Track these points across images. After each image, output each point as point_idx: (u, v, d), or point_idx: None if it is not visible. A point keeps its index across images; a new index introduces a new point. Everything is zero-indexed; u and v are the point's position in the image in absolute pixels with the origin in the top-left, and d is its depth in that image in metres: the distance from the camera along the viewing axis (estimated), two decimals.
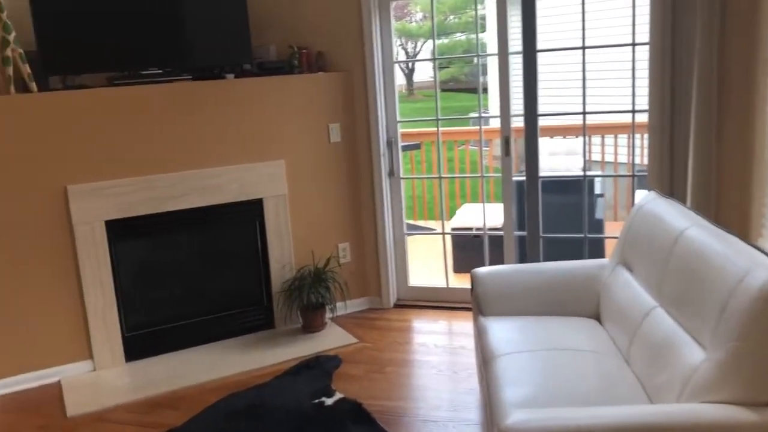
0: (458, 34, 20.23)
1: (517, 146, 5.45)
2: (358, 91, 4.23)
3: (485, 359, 2.67)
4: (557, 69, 7.09)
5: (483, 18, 9.61)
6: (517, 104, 4.10)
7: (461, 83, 20.85)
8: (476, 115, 4.55)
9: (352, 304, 4.38)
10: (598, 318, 2.96)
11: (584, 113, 3.98)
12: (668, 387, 2.17)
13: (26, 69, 3.52)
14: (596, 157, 6.62)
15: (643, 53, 3.54)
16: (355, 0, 4.12)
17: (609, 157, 6.32)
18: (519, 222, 4.30)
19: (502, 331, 2.81)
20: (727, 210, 3.30)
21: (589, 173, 4.27)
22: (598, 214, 4.81)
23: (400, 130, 4.42)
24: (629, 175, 4.33)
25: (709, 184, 3.30)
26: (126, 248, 3.82)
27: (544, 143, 6.19)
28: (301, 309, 4.09)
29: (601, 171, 6.46)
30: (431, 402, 3.25)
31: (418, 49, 23.59)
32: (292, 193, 4.13)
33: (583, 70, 3.91)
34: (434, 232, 5.95)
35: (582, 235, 4.11)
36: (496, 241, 4.34)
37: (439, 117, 4.42)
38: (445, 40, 20.21)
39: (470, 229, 4.96)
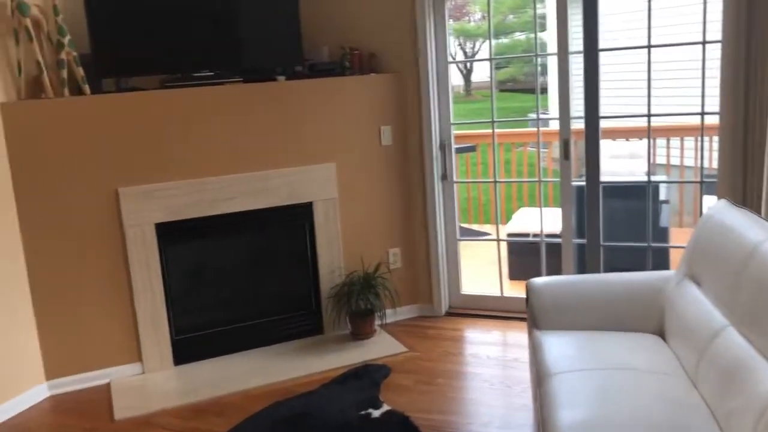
0: (517, 34, 19.90)
1: (577, 149, 5.25)
2: (410, 92, 4.12)
3: (539, 377, 2.52)
4: (620, 69, 6.84)
5: (543, 17, 9.37)
6: (577, 106, 3.92)
7: (520, 83, 20.52)
8: (534, 116, 4.38)
9: (402, 312, 4.27)
10: (662, 335, 2.77)
11: (649, 115, 3.77)
12: (741, 415, 1.98)
13: (80, 72, 3.55)
14: (661, 160, 6.34)
15: (715, 51, 3.33)
16: (408, 0, 4.01)
17: (675, 161, 6.03)
18: (578, 229, 4.11)
19: (558, 346, 2.66)
20: None
21: (653, 179, 4.05)
22: (663, 222, 4.57)
23: (454, 132, 4.29)
24: (697, 182, 4.09)
25: None
26: (176, 251, 3.81)
27: (606, 145, 5.96)
28: (350, 315, 4.01)
29: (666, 175, 6.18)
30: (482, 418, 3.11)
31: (476, 49, 23.36)
32: (342, 196, 4.05)
33: (649, 70, 3.70)
34: (489, 238, 5.80)
35: (645, 244, 3.89)
36: (554, 248, 4.17)
37: (495, 119, 4.27)
38: (504, 40, 19.92)
39: (527, 235, 4.78)
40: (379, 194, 4.16)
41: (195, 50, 3.77)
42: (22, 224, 3.46)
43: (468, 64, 22.08)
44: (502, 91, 20.88)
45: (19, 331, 3.48)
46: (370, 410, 3.16)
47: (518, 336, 3.96)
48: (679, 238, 4.64)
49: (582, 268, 4.07)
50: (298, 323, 4.07)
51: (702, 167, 3.90)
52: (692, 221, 5.67)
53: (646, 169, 6.40)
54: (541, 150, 6.60)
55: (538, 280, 3.02)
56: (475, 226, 6.59)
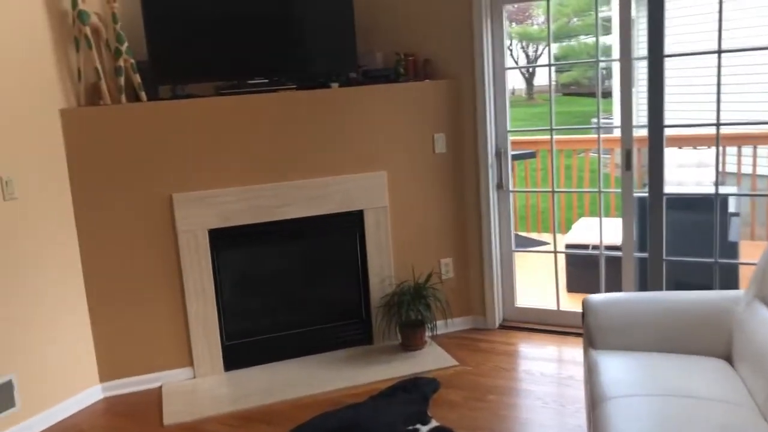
0: (582, 37, 19.49)
1: (641, 156, 5.04)
2: (466, 99, 4.03)
3: (594, 400, 2.39)
4: (686, 74, 6.56)
5: (608, 20, 9.12)
6: (641, 113, 3.75)
7: (584, 87, 20.08)
8: (596, 121, 4.22)
9: (453, 324, 4.17)
10: (729, 359, 2.60)
11: (718, 124, 3.58)
12: None
13: (137, 78, 3.59)
14: (731, 168, 6.04)
15: None
16: (465, 5, 3.93)
17: (746, 169, 5.73)
18: (640, 242, 3.93)
19: (615, 369, 2.52)
20: None
21: (722, 190, 3.83)
22: (732, 237, 4.32)
23: (512, 138, 4.17)
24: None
25: None
26: (228, 257, 3.82)
27: (671, 154, 5.71)
28: (400, 326, 3.94)
29: (736, 185, 5.88)
30: None
31: (539, 53, 23.02)
32: (394, 205, 3.99)
33: (719, 76, 3.51)
34: (546, 250, 5.64)
35: (712, 260, 3.69)
36: (615, 261, 4.00)
37: (554, 126, 4.13)
38: (570, 43, 19.55)
39: (586, 246, 4.61)
40: (432, 203, 4.08)
41: (250, 57, 3.77)
42: (78, 228, 3.53)
43: (530, 68, 21.74)
44: (565, 94, 20.49)
45: (75, 333, 3.54)
46: (418, 426, 3.08)
47: (574, 352, 3.82)
48: (749, 253, 4.38)
49: (643, 284, 3.89)
50: (347, 332, 4.02)
51: None
52: (765, 235, 5.38)
53: (714, 179, 6.14)
54: (605, 156, 6.41)
55: (596, 297, 2.88)
56: (533, 235, 6.43)
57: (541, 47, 22.55)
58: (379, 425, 3.11)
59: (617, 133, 5.56)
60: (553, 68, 4.27)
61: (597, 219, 4.39)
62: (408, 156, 3.98)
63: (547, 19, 4.16)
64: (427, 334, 3.96)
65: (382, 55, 4.08)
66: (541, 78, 23.17)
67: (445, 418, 3.15)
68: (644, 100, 3.65)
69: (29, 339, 3.31)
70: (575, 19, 19.47)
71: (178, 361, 3.76)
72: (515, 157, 5.54)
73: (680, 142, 5.99)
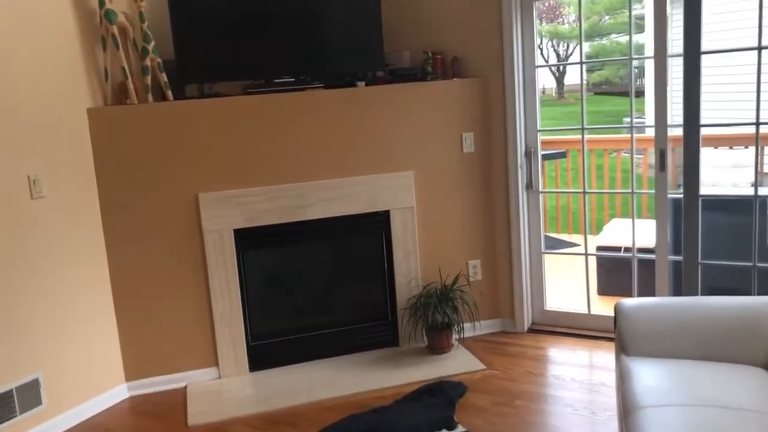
0: (614, 35, 19.22)
1: (675, 156, 4.91)
2: (495, 98, 3.95)
3: (626, 409, 2.31)
4: (722, 71, 6.39)
5: (641, 18, 8.94)
6: (675, 112, 3.64)
7: (615, 86, 19.80)
8: (629, 120, 4.11)
9: (481, 326, 4.10)
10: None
11: (758, 123, 3.45)
12: None
13: (163, 78, 3.59)
14: None
15: None
16: (494, 2, 3.85)
17: None
18: (674, 244, 3.82)
19: (648, 376, 2.43)
20: None
21: (761, 191, 3.70)
22: None
23: (541, 138, 4.09)
24: None
25: None
26: (253, 257, 3.80)
27: (707, 154, 5.56)
28: (427, 328, 3.88)
29: None
30: None
31: (569, 52, 22.76)
32: (421, 205, 3.93)
33: (758, 73, 3.39)
34: (576, 252, 5.53)
35: (750, 264, 3.57)
36: (647, 263, 3.90)
37: (586, 126, 4.04)
38: (602, 41, 19.29)
39: (618, 249, 4.50)
40: (460, 203, 4.01)
41: (277, 56, 3.74)
42: (105, 227, 3.53)
43: (561, 67, 21.51)
44: (596, 94, 20.22)
45: (102, 332, 3.55)
46: (444, 431, 3.02)
47: (605, 357, 3.72)
48: None
49: (677, 289, 3.77)
50: (373, 334, 3.98)
51: None
52: None
53: (752, 179, 5.96)
54: (637, 156, 6.26)
55: (629, 302, 2.79)
56: (563, 236, 6.32)
57: (571, 46, 22.30)
58: (405, 429, 3.05)
59: (649, 132, 5.44)
60: (584, 67, 4.16)
61: (629, 220, 4.28)
62: (435, 156, 3.92)
63: (579, 15, 4.06)
64: (454, 336, 3.90)
65: (409, 54, 4.03)
66: (572, 77, 22.92)
67: (471, 424, 3.09)
68: (677, 99, 3.54)
69: (56, 338, 3.32)
70: (606, 18, 19.20)
71: (203, 361, 3.75)
72: (545, 157, 5.44)
73: (715, 141, 5.84)
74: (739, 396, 2.26)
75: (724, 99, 6.03)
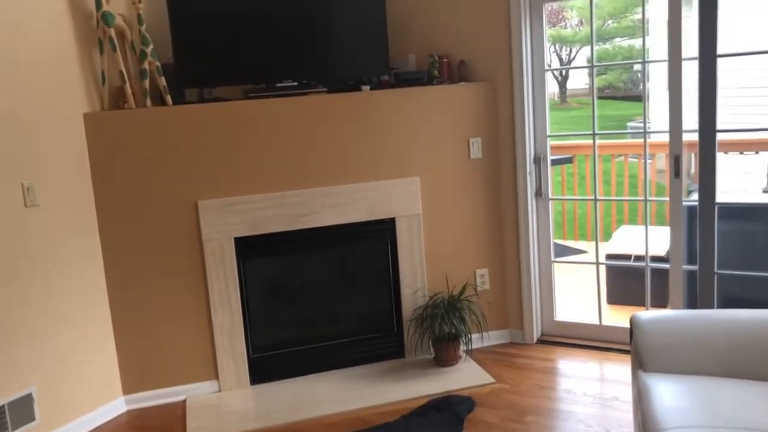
0: (617, 40, 19.13)
1: (685, 162, 4.80)
2: (503, 102, 3.85)
3: (645, 430, 2.19)
4: (730, 77, 6.29)
5: (647, 22, 8.84)
6: (686, 116, 3.53)
7: (618, 91, 19.70)
8: (633, 124, 4.00)
9: (489, 337, 3.99)
10: None
11: None
12: None
13: (162, 82, 3.49)
14: None
15: None
16: (502, 4, 3.75)
17: None
18: (688, 253, 3.70)
19: (669, 395, 2.31)
20: None
21: None
22: None
23: (550, 143, 3.98)
24: None
25: None
26: (254, 266, 3.69)
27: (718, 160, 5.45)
28: (433, 340, 3.76)
29: None
30: None
31: (572, 56, 22.67)
32: (427, 212, 3.82)
33: None
34: (586, 261, 5.41)
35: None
36: (659, 273, 3.78)
37: (596, 131, 3.93)
38: (605, 46, 19.21)
39: (628, 257, 4.39)
40: (467, 211, 3.90)
41: (279, 60, 3.64)
42: (102, 236, 3.43)
43: (563, 71, 21.42)
44: (599, 98, 20.14)
45: (98, 344, 3.44)
46: None
47: (618, 370, 3.60)
48: None
49: (692, 299, 3.66)
50: (378, 346, 3.86)
51: None
52: None
53: (762, 185, 5.85)
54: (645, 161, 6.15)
55: (645, 315, 2.67)
56: (569, 243, 6.20)
57: (574, 50, 22.19)
58: None
59: (654, 137, 5.33)
60: (587, 71, 4.06)
61: (638, 227, 4.17)
62: (442, 161, 3.81)
63: (591, 17, 3.95)
64: (462, 348, 3.78)
65: (415, 57, 3.92)
66: (574, 82, 22.81)
67: None
68: (688, 104, 3.43)
69: (50, 350, 3.21)
70: (610, 22, 19.11)
71: (203, 374, 3.64)
72: (552, 162, 5.33)
73: (725, 147, 5.73)
74: (764, 416, 2.14)
75: (734, 104, 5.92)
